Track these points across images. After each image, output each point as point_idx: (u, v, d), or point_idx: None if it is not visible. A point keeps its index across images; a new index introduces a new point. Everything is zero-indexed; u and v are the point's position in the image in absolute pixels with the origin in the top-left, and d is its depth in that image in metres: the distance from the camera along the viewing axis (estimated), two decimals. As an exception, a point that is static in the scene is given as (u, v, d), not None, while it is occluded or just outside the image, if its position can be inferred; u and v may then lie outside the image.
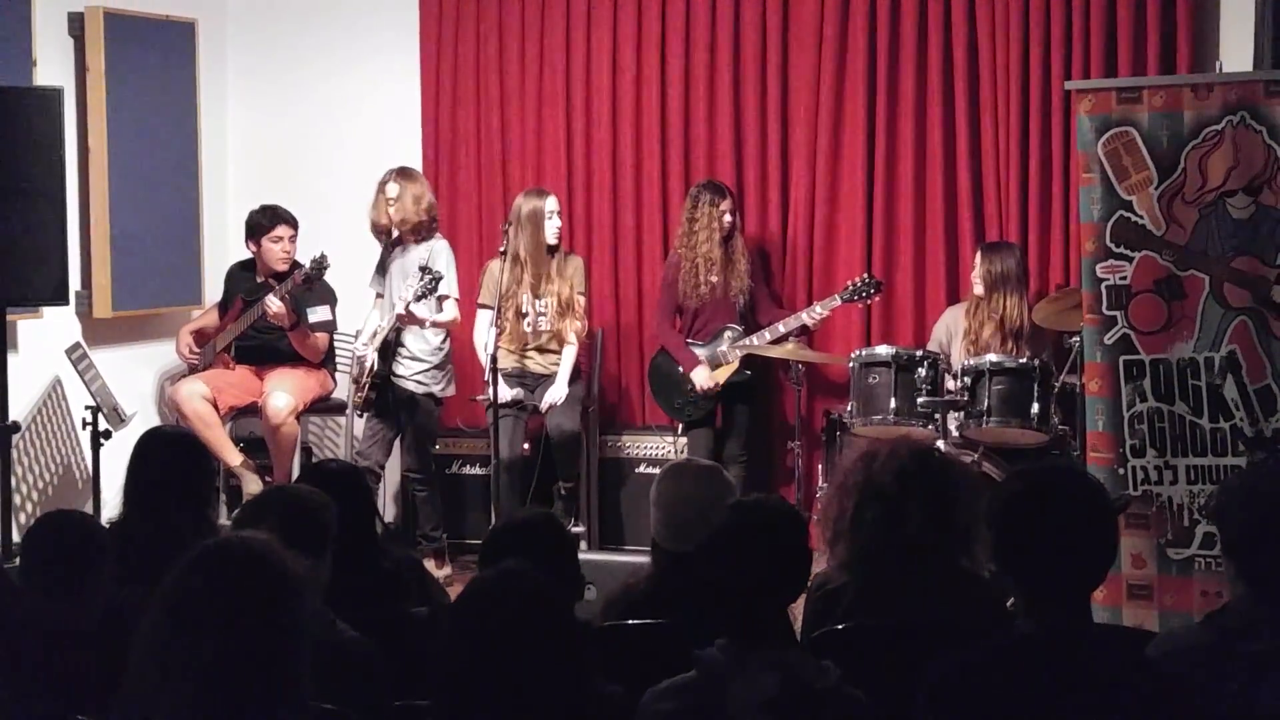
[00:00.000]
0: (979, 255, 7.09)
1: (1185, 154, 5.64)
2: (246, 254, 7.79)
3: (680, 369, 7.54)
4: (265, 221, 7.58)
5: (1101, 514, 3.02)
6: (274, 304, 7.31)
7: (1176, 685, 2.93)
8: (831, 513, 3.99)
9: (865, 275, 7.36)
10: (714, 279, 7.46)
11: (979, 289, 7.03)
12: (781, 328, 7.36)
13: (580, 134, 8.15)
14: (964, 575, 3.88)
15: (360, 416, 7.71)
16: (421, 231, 7.44)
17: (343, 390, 7.98)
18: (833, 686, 3.04)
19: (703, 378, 7.45)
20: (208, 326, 7.80)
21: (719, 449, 7.51)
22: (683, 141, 7.99)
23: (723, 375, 7.48)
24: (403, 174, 7.50)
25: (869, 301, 7.39)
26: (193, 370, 7.70)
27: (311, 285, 7.40)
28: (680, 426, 7.67)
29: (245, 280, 7.76)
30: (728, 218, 7.43)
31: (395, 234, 7.50)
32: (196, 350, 7.69)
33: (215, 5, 8.50)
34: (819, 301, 7.43)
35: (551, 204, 7.44)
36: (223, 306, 7.82)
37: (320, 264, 7.25)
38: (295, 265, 7.59)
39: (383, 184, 7.47)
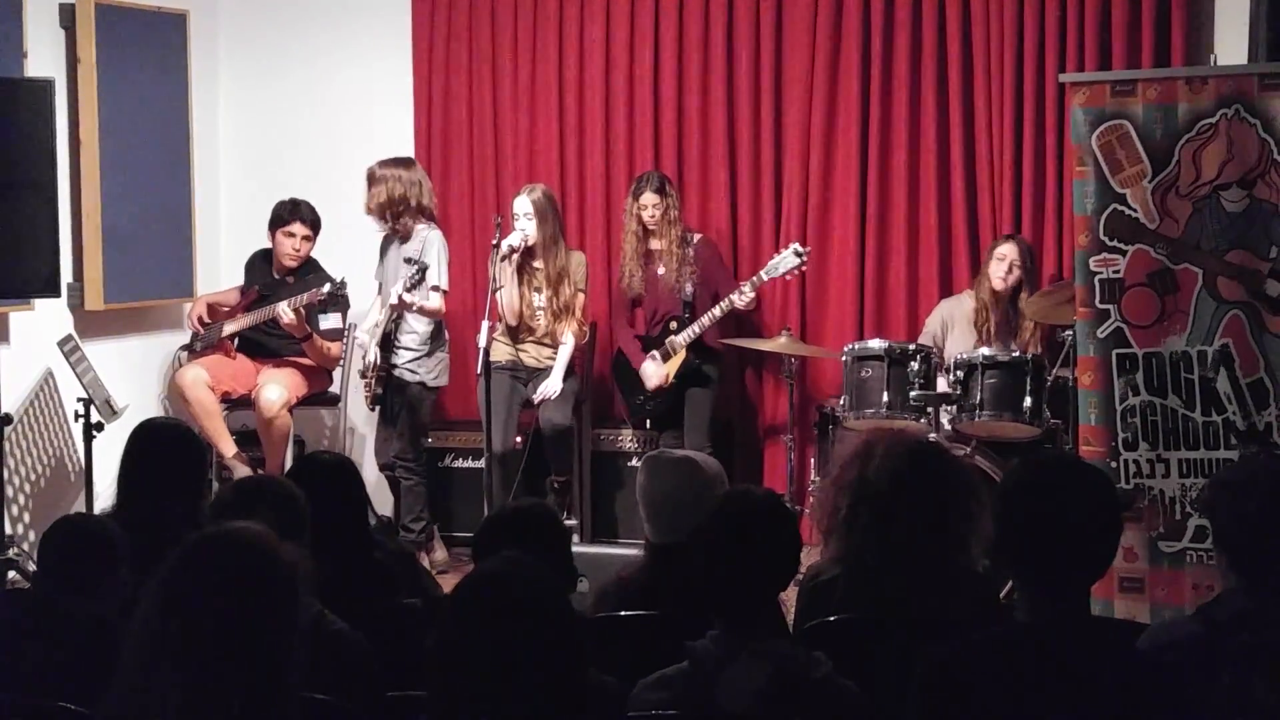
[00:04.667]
0: (1014, 244, 7.08)
1: (1179, 147, 5.64)
2: (258, 244, 7.83)
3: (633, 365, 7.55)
4: (285, 215, 7.61)
5: (1106, 507, 3.01)
6: (286, 314, 7.34)
7: (1168, 677, 2.93)
8: (826, 508, 3.98)
9: (795, 245, 7.30)
10: (660, 271, 7.47)
11: (1015, 277, 7.02)
12: (717, 311, 7.33)
13: (573, 128, 8.13)
14: (958, 569, 3.87)
15: (372, 410, 7.70)
16: (404, 217, 7.45)
17: (338, 384, 7.98)
18: (824, 678, 3.05)
19: (650, 373, 7.45)
20: (224, 304, 7.81)
21: (684, 445, 7.43)
22: (675, 132, 7.98)
23: (672, 367, 7.45)
24: (385, 163, 7.52)
25: (797, 273, 7.33)
26: (194, 340, 7.74)
27: (326, 308, 7.42)
28: (647, 424, 7.66)
29: (263, 272, 7.79)
30: (648, 212, 7.42)
31: (386, 220, 7.51)
32: (207, 321, 7.70)
33: (207, -4, 8.49)
34: (745, 280, 7.40)
35: (518, 205, 7.35)
36: (243, 290, 7.84)
37: (338, 290, 7.29)
38: (313, 267, 7.62)
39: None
